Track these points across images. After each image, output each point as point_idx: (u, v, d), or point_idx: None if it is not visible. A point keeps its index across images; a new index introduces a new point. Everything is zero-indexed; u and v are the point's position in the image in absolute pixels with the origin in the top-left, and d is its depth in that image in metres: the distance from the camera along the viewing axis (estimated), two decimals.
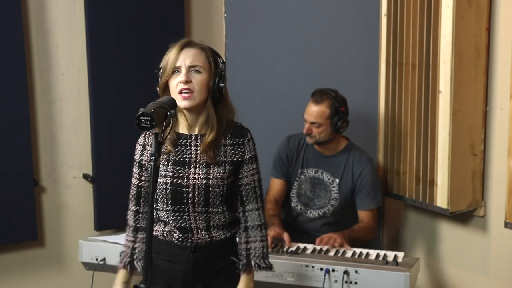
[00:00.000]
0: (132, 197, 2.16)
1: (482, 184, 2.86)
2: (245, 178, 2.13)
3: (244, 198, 2.14)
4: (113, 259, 2.82)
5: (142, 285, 1.77)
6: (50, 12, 3.28)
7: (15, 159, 3.18)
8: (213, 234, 2.11)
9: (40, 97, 3.31)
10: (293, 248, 2.78)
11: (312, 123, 3.00)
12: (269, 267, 2.17)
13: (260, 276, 2.62)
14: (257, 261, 2.14)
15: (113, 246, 2.86)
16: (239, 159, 2.10)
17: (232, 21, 3.58)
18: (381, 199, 3.12)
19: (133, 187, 2.15)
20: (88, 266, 2.89)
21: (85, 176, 3.44)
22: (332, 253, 2.76)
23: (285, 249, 2.76)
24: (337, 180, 3.09)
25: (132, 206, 2.16)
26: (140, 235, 2.14)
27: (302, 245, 2.83)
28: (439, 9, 2.75)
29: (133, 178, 2.15)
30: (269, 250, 2.75)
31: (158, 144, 1.80)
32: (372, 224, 3.05)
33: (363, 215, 3.08)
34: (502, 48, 2.71)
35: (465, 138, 2.79)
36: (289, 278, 2.62)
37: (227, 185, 2.09)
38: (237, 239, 2.19)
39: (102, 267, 2.87)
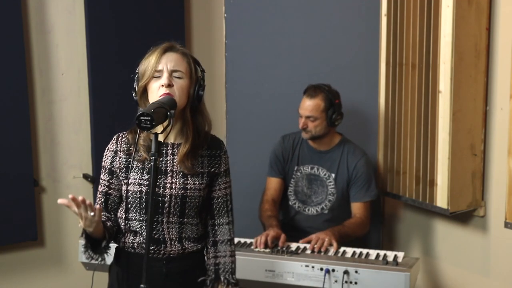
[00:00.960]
0: (100, 205, 2.06)
1: (482, 184, 2.86)
2: (218, 191, 2.09)
3: (215, 212, 2.10)
4: None
5: (142, 285, 1.77)
6: (50, 12, 3.28)
7: (15, 159, 3.18)
8: (185, 245, 2.05)
9: (40, 97, 3.31)
10: (293, 248, 2.78)
11: (308, 117, 3.03)
12: (237, 284, 2.12)
13: (260, 276, 2.63)
14: (227, 276, 2.09)
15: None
16: (215, 171, 2.07)
17: (232, 21, 3.58)
18: (375, 192, 3.12)
19: (99, 195, 2.07)
20: (88, 266, 2.88)
21: (85, 176, 3.44)
22: (332, 253, 2.76)
23: (284, 249, 2.76)
24: (333, 175, 3.11)
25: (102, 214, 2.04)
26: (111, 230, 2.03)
27: (302, 245, 2.83)
28: (439, 9, 2.75)
29: (99, 186, 2.07)
30: (269, 250, 2.77)
31: (158, 145, 1.79)
32: (363, 219, 3.06)
33: (356, 208, 3.09)
34: (502, 48, 2.71)
35: (465, 138, 2.79)
36: (289, 278, 2.62)
37: (202, 197, 2.05)
38: (205, 253, 2.13)
39: (102, 267, 2.84)
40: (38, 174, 3.33)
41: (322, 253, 2.75)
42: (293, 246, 2.83)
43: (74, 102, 3.39)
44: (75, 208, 1.78)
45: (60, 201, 1.76)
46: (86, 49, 3.33)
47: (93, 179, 3.40)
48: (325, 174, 3.12)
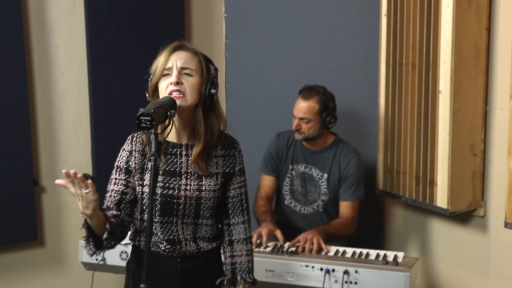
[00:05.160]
0: (112, 203, 2.01)
1: (482, 184, 2.86)
2: (233, 191, 2.08)
3: (230, 211, 2.09)
4: (113, 259, 2.82)
5: (142, 285, 1.77)
6: (50, 12, 3.28)
7: (15, 159, 3.18)
8: (200, 245, 2.05)
9: (40, 97, 3.31)
10: (293, 248, 2.78)
11: (301, 118, 3.03)
12: (254, 282, 2.11)
13: (260, 276, 2.62)
14: (243, 276, 2.08)
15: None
16: (230, 171, 2.05)
17: (232, 21, 3.58)
18: (362, 194, 3.10)
19: (113, 194, 2.02)
20: (88, 266, 2.88)
21: (85, 176, 3.42)
22: (332, 253, 2.76)
23: (285, 249, 2.76)
24: (326, 175, 3.11)
25: (111, 212, 2.00)
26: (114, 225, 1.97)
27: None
28: (439, 9, 2.75)
29: (114, 185, 2.03)
30: (268, 250, 2.77)
31: (158, 144, 1.78)
32: (349, 219, 3.04)
33: (343, 207, 3.09)
34: (502, 48, 2.71)
35: (465, 138, 2.79)
36: (289, 278, 2.62)
37: (217, 198, 2.04)
38: (222, 253, 2.13)
39: (102, 267, 2.87)
40: (38, 174, 3.33)
41: (323, 253, 2.75)
42: (293, 246, 2.82)
43: (74, 102, 3.39)
44: (72, 189, 1.80)
45: (57, 181, 1.77)
46: (86, 49, 3.33)
47: (93, 179, 3.39)
48: (317, 174, 3.13)
